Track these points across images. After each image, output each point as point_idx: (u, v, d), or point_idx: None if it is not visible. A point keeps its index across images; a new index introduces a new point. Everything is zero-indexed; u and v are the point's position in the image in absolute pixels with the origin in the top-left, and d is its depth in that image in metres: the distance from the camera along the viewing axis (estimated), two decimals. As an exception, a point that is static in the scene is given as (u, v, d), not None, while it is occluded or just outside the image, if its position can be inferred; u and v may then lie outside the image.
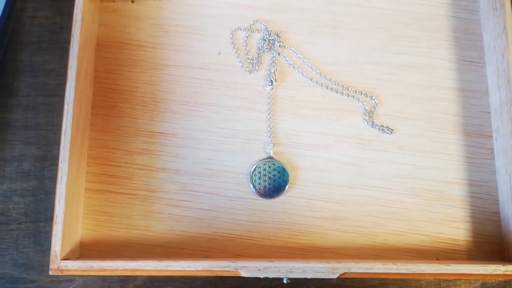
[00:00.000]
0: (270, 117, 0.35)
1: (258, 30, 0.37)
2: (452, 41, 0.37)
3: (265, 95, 0.36)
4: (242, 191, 0.34)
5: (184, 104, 0.36)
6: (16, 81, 0.38)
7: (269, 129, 0.35)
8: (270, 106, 0.36)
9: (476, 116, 0.36)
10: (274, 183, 0.34)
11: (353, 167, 0.35)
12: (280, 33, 0.37)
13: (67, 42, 0.34)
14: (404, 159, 0.35)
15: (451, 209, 0.34)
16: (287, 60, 0.37)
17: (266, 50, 0.37)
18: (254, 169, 0.34)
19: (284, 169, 0.34)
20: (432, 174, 0.35)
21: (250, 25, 0.37)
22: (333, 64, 0.37)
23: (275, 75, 0.36)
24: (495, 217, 0.34)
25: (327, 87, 0.36)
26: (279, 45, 0.37)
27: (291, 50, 0.37)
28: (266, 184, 0.34)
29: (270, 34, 0.37)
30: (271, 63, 0.36)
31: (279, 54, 0.37)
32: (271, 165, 0.34)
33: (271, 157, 0.34)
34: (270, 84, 0.36)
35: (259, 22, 0.37)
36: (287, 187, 0.34)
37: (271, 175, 0.34)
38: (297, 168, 0.35)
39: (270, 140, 0.35)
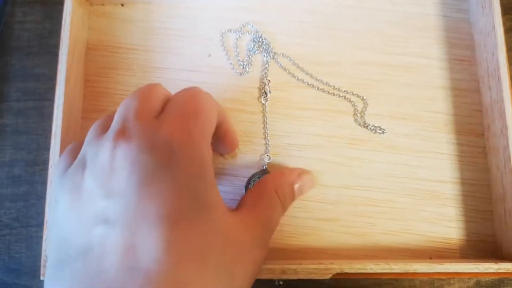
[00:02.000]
0: (266, 120, 0.35)
1: (248, 32, 0.37)
2: (443, 40, 0.37)
3: (255, 97, 0.36)
4: (235, 193, 0.34)
5: (175, 107, 0.35)
6: (6, 86, 0.38)
7: (264, 131, 0.35)
8: (263, 109, 0.35)
9: (468, 115, 0.36)
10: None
11: (346, 168, 0.35)
12: (270, 35, 0.37)
13: (57, 46, 0.34)
14: (396, 159, 0.35)
15: (444, 208, 0.34)
16: (277, 62, 0.36)
17: (256, 52, 0.37)
18: (249, 183, 0.34)
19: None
20: (424, 173, 0.35)
21: (241, 27, 0.37)
22: (324, 64, 0.36)
23: (269, 87, 0.36)
24: (488, 215, 0.34)
25: (318, 88, 0.36)
26: (270, 47, 0.37)
27: (281, 52, 0.37)
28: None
29: (260, 36, 0.37)
30: (263, 75, 0.36)
31: (269, 55, 0.36)
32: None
33: (264, 170, 0.34)
34: (264, 95, 0.35)
35: (249, 24, 0.37)
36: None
37: None
38: (289, 169, 0.34)
39: (267, 141, 0.35)
